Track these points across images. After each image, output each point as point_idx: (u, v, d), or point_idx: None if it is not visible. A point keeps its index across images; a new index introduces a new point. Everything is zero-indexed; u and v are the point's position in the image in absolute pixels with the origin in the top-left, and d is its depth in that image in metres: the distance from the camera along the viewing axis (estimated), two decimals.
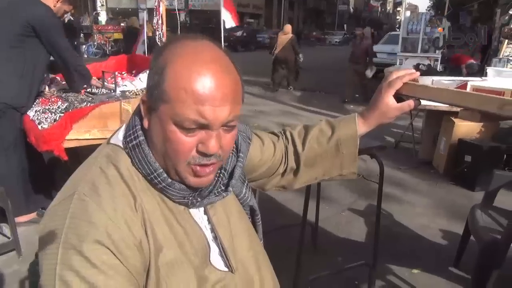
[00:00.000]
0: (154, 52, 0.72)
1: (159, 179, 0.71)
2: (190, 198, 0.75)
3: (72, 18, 15.47)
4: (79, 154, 2.59)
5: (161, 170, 0.71)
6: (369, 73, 8.41)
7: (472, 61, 6.64)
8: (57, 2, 2.69)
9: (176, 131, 0.67)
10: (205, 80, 0.65)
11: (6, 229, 2.62)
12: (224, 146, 0.71)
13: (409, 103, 0.95)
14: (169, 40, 0.73)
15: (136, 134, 0.73)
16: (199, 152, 0.69)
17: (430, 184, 4.05)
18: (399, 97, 0.96)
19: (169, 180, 0.72)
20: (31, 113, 2.55)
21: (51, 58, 2.78)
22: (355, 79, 8.47)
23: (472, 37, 7.30)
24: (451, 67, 7.61)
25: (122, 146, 0.74)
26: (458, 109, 3.92)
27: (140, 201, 0.70)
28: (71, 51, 2.77)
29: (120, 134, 0.76)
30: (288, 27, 9.45)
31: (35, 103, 2.67)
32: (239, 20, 6.89)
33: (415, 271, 2.51)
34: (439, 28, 7.70)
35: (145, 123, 0.71)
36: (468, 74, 5.68)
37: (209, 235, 0.79)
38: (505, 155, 3.98)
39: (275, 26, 35.87)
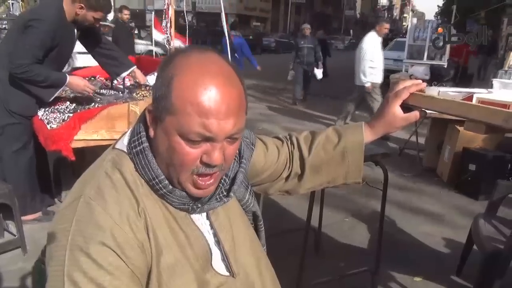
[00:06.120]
0: (162, 62, 0.73)
1: (160, 185, 0.73)
2: (190, 204, 0.76)
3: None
4: (86, 155, 2.61)
5: (163, 176, 0.73)
6: None
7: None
8: (80, 9, 2.47)
9: (181, 142, 0.68)
10: (211, 94, 0.66)
11: (12, 227, 2.64)
12: (227, 156, 0.73)
13: (416, 114, 0.96)
14: (177, 51, 0.74)
15: (140, 141, 0.74)
16: (203, 163, 0.70)
17: (434, 192, 4.04)
18: (405, 107, 0.97)
19: (170, 187, 0.73)
20: (40, 113, 2.58)
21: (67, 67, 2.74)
22: None
23: (472, 37, 7.27)
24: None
25: (126, 151, 0.76)
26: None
27: (143, 206, 0.72)
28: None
29: (125, 140, 0.78)
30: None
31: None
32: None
33: (417, 278, 2.51)
34: (439, 29, 7.67)
35: (151, 133, 0.73)
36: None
37: (212, 240, 0.80)
38: (509, 165, 3.97)
39: (282, 30, 35.95)
